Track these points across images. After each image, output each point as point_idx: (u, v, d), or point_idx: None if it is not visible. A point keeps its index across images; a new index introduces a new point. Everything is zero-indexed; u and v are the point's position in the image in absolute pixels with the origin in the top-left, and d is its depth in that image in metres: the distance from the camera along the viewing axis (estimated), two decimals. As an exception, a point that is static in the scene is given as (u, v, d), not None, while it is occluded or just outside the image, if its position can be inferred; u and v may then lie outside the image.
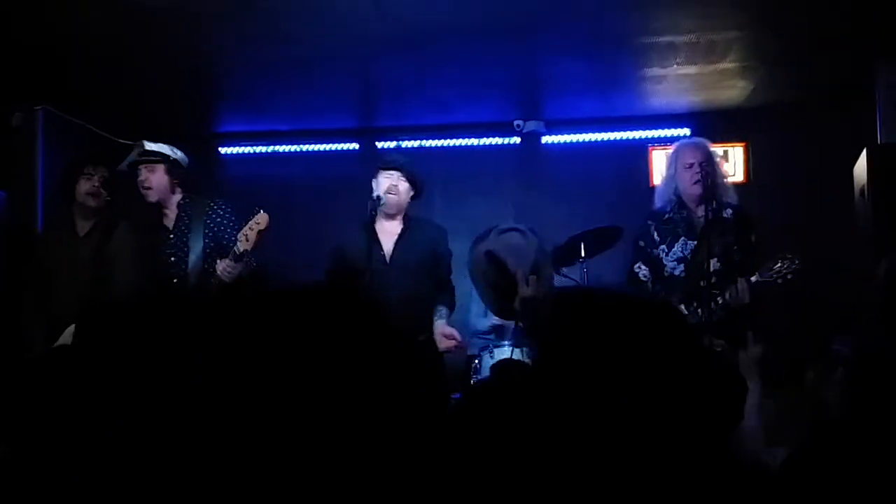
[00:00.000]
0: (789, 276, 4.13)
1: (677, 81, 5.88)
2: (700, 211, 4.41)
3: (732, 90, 6.10)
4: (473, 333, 5.74)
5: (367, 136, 6.97)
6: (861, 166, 5.57)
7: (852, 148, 5.72)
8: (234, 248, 4.24)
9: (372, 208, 4.51)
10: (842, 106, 6.14)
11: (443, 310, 4.64)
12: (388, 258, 4.53)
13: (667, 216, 4.52)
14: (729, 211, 4.48)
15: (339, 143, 7.03)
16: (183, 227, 4.55)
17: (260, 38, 4.91)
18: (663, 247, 4.49)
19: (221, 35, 4.91)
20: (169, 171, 4.58)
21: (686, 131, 6.67)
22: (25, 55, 5.05)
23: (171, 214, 4.61)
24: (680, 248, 4.44)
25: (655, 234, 4.52)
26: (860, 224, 5.62)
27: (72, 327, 4.38)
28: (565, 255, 5.21)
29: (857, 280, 5.61)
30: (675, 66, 5.55)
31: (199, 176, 4.92)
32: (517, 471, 1.20)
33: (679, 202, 4.50)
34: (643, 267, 4.55)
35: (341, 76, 5.75)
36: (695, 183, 4.39)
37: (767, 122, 6.45)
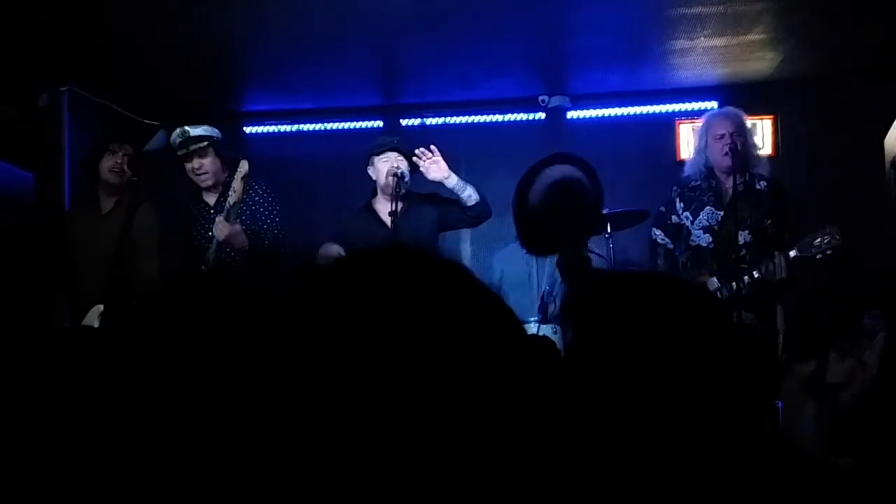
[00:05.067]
0: (829, 252, 4.03)
1: (705, 54, 5.79)
2: (730, 181, 4.35)
3: (761, 62, 6.00)
4: None
5: (391, 113, 6.94)
6: (892, 138, 5.49)
7: (883, 120, 5.63)
8: (227, 201, 4.28)
9: (397, 186, 4.49)
10: (872, 77, 6.03)
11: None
12: (390, 229, 4.50)
13: (693, 184, 4.47)
14: (763, 182, 4.41)
15: (364, 120, 7.00)
16: (224, 205, 4.46)
17: (282, 14, 4.89)
18: (687, 214, 4.44)
19: (244, 12, 4.89)
20: (218, 153, 4.56)
21: (714, 104, 6.57)
22: (50, 36, 5.07)
23: (214, 192, 4.59)
24: (706, 217, 4.38)
25: (678, 200, 4.49)
26: (891, 196, 5.54)
27: (98, 307, 4.45)
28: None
29: (888, 253, 5.55)
30: (702, 38, 5.46)
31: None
32: (542, 450, 1.18)
33: (709, 172, 4.44)
34: (658, 232, 4.54)
35: (364, 53, 5.72)
36: (725, 154, 4.31)
37: (797, 95, 6.35)
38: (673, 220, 4.49)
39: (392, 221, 4.47)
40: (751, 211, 4.31)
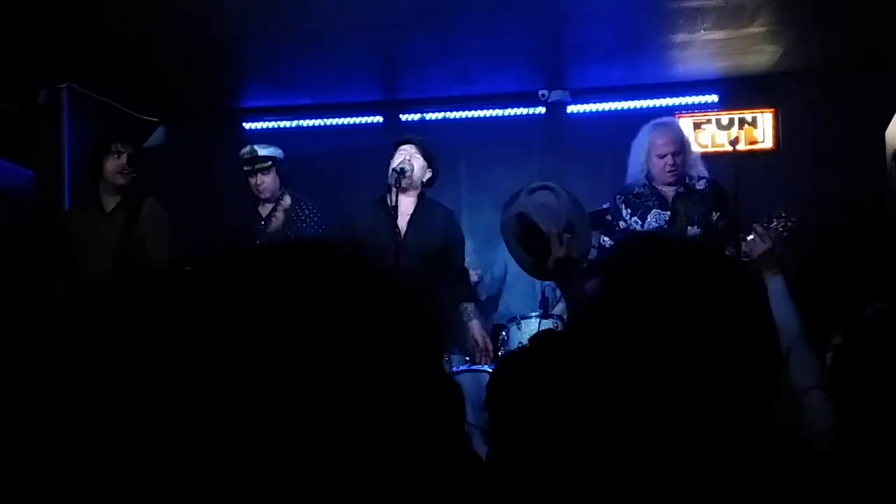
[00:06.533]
0: (785, 235, 4.13)
1: (705, 47, 5.78)
2: (671, 188, 4.50)
3: (761, 55, 5.99)
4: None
5: (390, 108, 6.93)
6: (893, 131, 5.48)
7: (884, 112, 5.62)
8: (268, 228, 4.81)
9: (396, 181, 4.50)
10: (873, 70, 6.02)
11: (469, 307, 4.67)
12: (402, 235, 4.53)
13: (636, 191, 4.57)
14: (703, 182, 4.55)
15: (363, 116, 7.00)
16: (275, 221, 5.02)
17: (281, 10, 4.88)
18: (635, 219, 4.57)
19: (243, 8, 4.88)
20: (278, 171, 5.05)
21: (714, 98, 6.58)
22: (49, 33, 5.06)
23: (269, 204, 5.07)
24: (654, 220, 4.52)
25: (624, 206, 4.61)
26: (893, 188, 5.54)
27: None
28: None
29: (889, 245, 5.54)
30: (702, 31, 5.45)
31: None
32: (559, 441, 1.18)
33: (649, 181, 4.56)
34: (606, 238, 4.65)
35: (364, 48, 5.71)
36: (668, 172, 4.46)
37: (797, 88, 6.34)
38: (621, 226, 4.59)
39: (393, 214, 4.49)
40: (696, 209, 4.44)
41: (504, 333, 4.93)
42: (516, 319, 4.88)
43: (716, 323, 1.15)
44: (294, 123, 7.04)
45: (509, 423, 1.63)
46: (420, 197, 4.67)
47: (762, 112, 6.52)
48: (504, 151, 6.63)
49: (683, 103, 6.64)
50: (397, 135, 4.98)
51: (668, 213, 4.47)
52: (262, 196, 5.06)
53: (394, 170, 4.52)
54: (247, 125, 7.09)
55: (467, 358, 4.71)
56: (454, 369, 4.49)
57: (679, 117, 6.54)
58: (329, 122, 7.02)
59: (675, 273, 1.19)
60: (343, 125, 7.02)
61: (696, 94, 6.60)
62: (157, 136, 5.88)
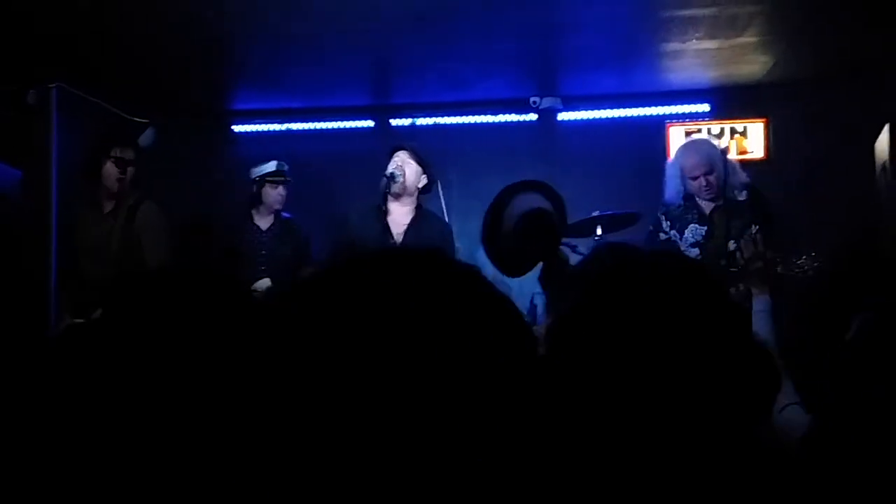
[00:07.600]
0: (809, 273, 4.15)
1: (697, 56, 5.79)
2: (710, 203, 4.52)
3: (753, 65, 6.00)
4: None
5: (381, 113, 6.92)
6: (883, 142, 5.50)
7: (874, 123, 5.64)
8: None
9: (385, 186, 4.50)
10: (864, 81, 6.04)
11: None
12: (397, 244, 4.51)
13: (679, 203, 4.61)
14: (744, 193, 4.53)
15: (354, 120, 6.98)
16: (275, 233, 5.35)
17: (274, 13, 4.86)
18: (674, 232, 4.60)
19: (235, 10, 4.86)
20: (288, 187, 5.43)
21: (705, 107, 6.59)
22: (38, 32, 5.03)
23: (267, 218, 5.38)
24: (691, 234, 4.56)
25: (664, 219, 4.66)
26: (882, 200, 5.56)
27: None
28: (580, 232, 5.17)
29: (880, 256, 5.55)
30: (694, 40, 5.46)
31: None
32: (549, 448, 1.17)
33: (688, 196, 4.59)
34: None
35: (356, 52, 5.69)
36: (704, 190, 4.50)
37: (788, 98, 6.36)
38: (661, 238, 4.61)
39: (384, 220, 4.48)
40: (735, 222, 4.44)
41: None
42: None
43: (693, 329, 1.15)
44: (284, 126, 7.02)
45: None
46: (418, 208, 4.65)
47: (753, 122, 6.54)
48: (494, 158, 6.62)
49: (674, 112, 6.65)
50: (388, 139, 4.97)
51: (706, 227, 4.52)
52: (275, 207, 5.35)
53: (385, 175, 4.52)
54: (236, 128, 7.06)
55: None
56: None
57: (670, 126, 6.56)
58: (319, 125, 7.00)
59: (649, 281, 1.20)
60: (333, 129, 7.00)
61: (688, 104, 6.61)
62: (146, 137, 5.85)
